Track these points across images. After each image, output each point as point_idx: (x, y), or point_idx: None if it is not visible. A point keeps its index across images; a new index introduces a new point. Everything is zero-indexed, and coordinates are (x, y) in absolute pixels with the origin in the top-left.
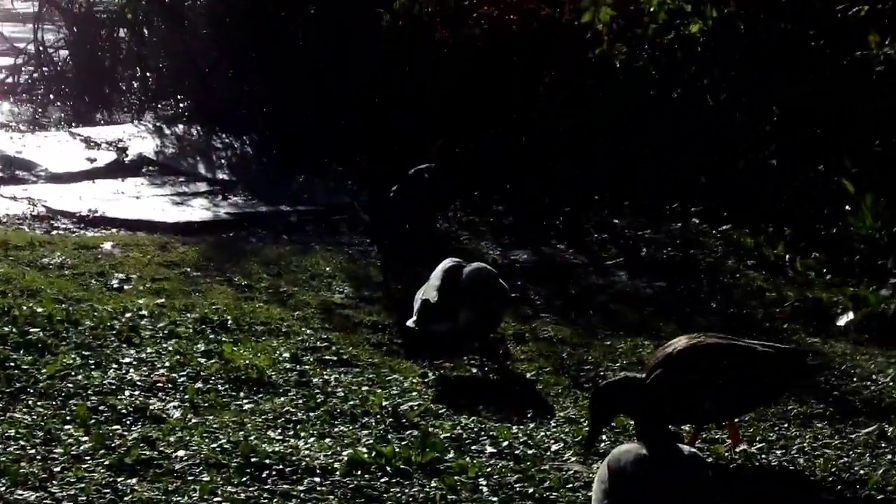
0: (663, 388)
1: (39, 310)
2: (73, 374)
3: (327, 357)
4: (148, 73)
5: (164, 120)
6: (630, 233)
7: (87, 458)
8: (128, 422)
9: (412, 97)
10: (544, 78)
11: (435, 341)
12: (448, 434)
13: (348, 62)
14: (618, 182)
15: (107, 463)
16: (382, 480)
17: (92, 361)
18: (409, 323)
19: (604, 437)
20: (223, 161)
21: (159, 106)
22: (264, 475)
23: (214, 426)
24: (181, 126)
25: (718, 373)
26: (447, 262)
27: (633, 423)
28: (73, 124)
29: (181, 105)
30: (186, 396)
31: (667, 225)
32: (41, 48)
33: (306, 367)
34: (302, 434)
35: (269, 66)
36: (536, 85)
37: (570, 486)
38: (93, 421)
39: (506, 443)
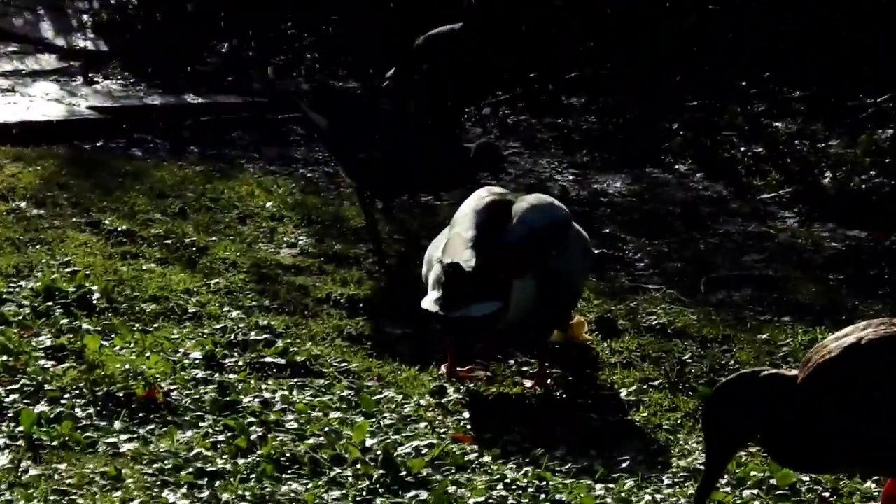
0: (820, 398)
1: None
2: None
3: (269, 359)
4: None
5: None
6: (803, 145)
7: None
8: None
9: None
10: None
11: (463, 332)
12: (482, 497)
13: None
14: (779, 57)
15: None
16: None
17: None
18: (429, 305)
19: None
20: (86, 18)
21: None
22: None
23: (68, 481)
24: None
25: None
26: (483, 196)
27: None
28: None
29: None
30: (19, 429)
31: (868, 131)
32: None
33: (231, 376)
34: (224, 496)
35: None
36: None
37: None
38: None
39: None
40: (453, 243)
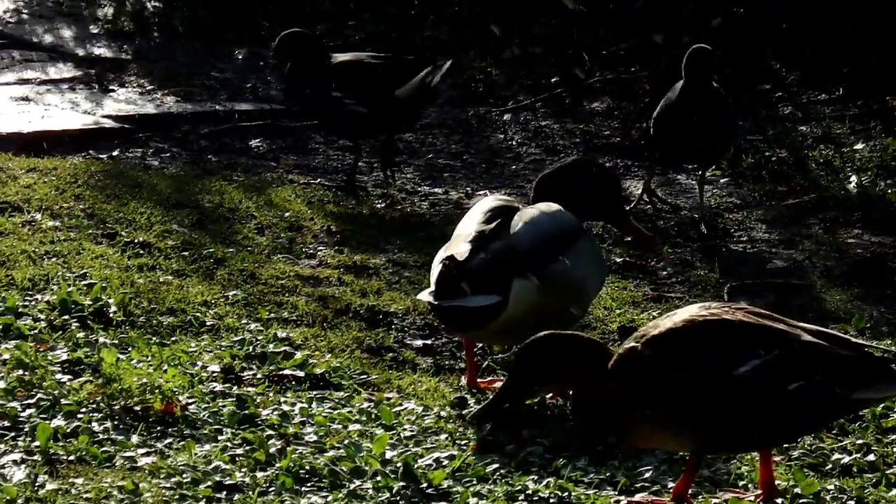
0: (625, 381)
1: None
2: None
3: (288, 372)
4: None
5: None
6: (828, 149)
7: None
8: None
9: None
10: None
11: (457, 322)
12: None
13: None
14: (804, 60)
15: None
16: None
17: None
18: (424, 295)
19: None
20: (103, 25)
21: None
22: None
23: (85, 496)
24: None
25: (724, 361)
26: (489, 201)
27: None
28: None
29: None
30: (35, 444)
31: (895, 135)
32: None
33: (249, 389)
34: None
35: None
36: None
37: None
38: None
39: None
40: (454, 242)
